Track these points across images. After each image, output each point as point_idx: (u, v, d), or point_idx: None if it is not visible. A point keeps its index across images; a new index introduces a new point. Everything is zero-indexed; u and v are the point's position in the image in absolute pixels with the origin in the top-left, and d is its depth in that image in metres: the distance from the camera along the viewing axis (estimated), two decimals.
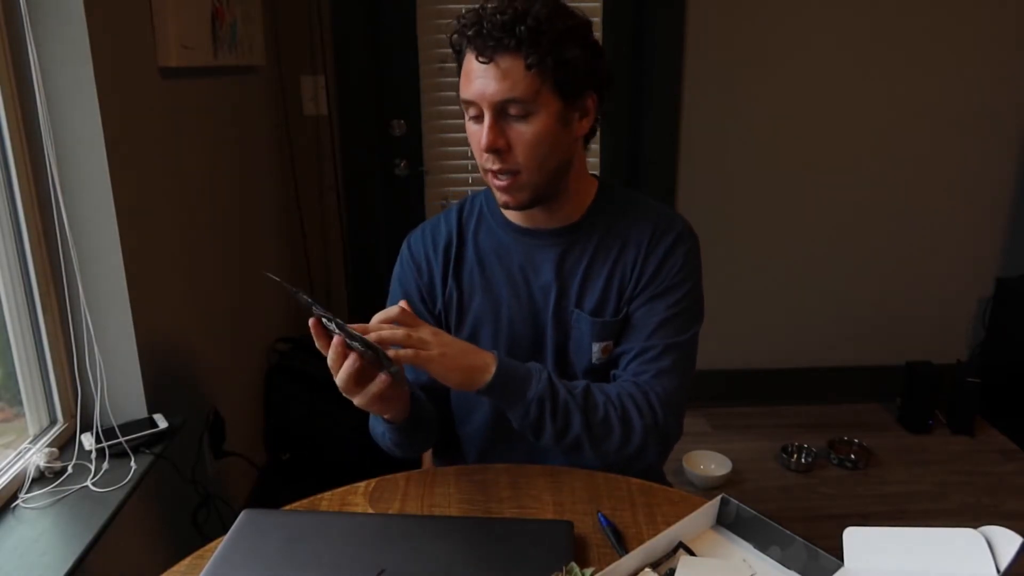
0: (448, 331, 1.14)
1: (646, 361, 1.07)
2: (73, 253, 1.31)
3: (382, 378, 0.88)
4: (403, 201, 2.65)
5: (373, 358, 0.87)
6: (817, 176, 2.63)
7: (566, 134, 1.02)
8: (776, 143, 2.60)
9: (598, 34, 2.45)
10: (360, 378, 0.87)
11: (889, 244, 2.71)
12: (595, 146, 2.60)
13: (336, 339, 0.87)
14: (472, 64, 0.98)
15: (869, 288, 2.76)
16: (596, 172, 2.74)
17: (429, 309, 1.16)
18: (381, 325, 0.90)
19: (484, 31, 0.94)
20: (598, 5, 2.47)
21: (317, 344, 0.89)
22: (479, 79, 0.97)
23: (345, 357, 0.87)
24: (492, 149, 0.99)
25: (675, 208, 2.62)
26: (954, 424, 2.61)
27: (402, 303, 0.96)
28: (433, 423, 1.14)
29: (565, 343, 1.12)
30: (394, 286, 1.20)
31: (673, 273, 1.09)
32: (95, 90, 1.28)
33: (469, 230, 1.16)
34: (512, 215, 1.13)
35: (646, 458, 1.04)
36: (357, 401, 0.91)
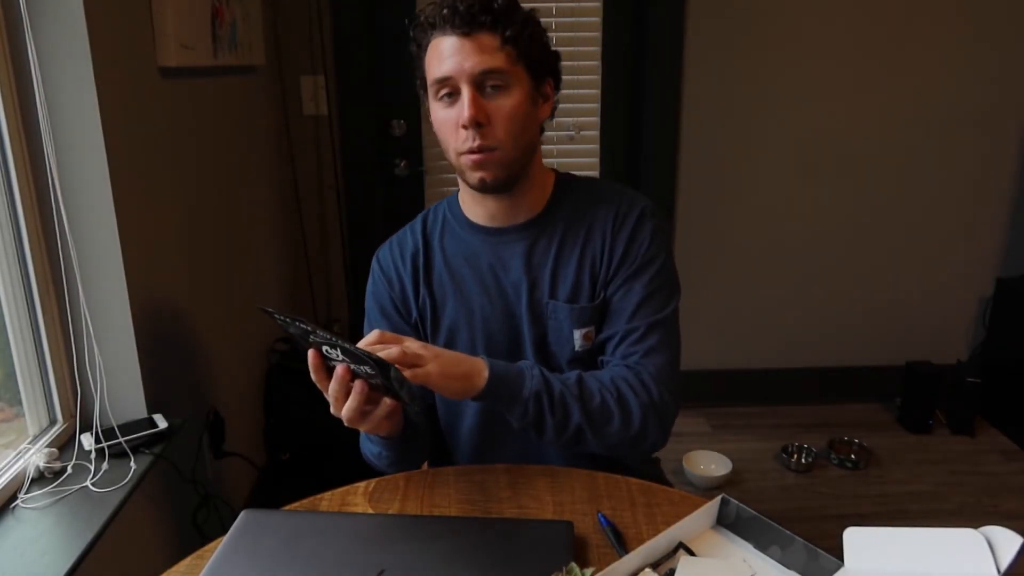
0: (425, 339, 1.14)
1: (632, 343, 1.07)
2: (73, 253, 1.31)
3: (386, 402, 0.87)
4: (403, 201, 2.65)
5: (381, 382, 0.83)
6: (817, 176, 2.63)
7: (533, 115, 1.05)
8: (776, 143, 2.60)
9: (597, 34, 2.48)
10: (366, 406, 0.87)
11: (889, 244, 2.71)
12: (595, 146, 2.60)
13: (340, 369, 0.84)
14: (444, 44, 0.99)
15: (869, 288, 2.76)
16: (596, 172, 2.73)
17: (405, 320, 1.16)
18: (372, 348, 0.88)
19: (462, 8, 0.97)
20: (598, 5, 2.48)
21: (314, 377, 0.86)
22: (455, 55, 0.98)
23: (350, 388, 0.85)
24: (475, 122, 0.99)
25: (675, 207, 2.62)
26: (954, 424, 2.61)
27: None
28: (425, 434, 1.14)
29: (544, 336, 1.12)
30: (369, 303, 1.20)
31: (643, 251, 1.09)
32: (95, 90, 1.28)
33: (435, 237, 1.16)
34: (477, 216, 1.13)
35: (648, 438, 1.04)
36: (364, 428, 0.90)
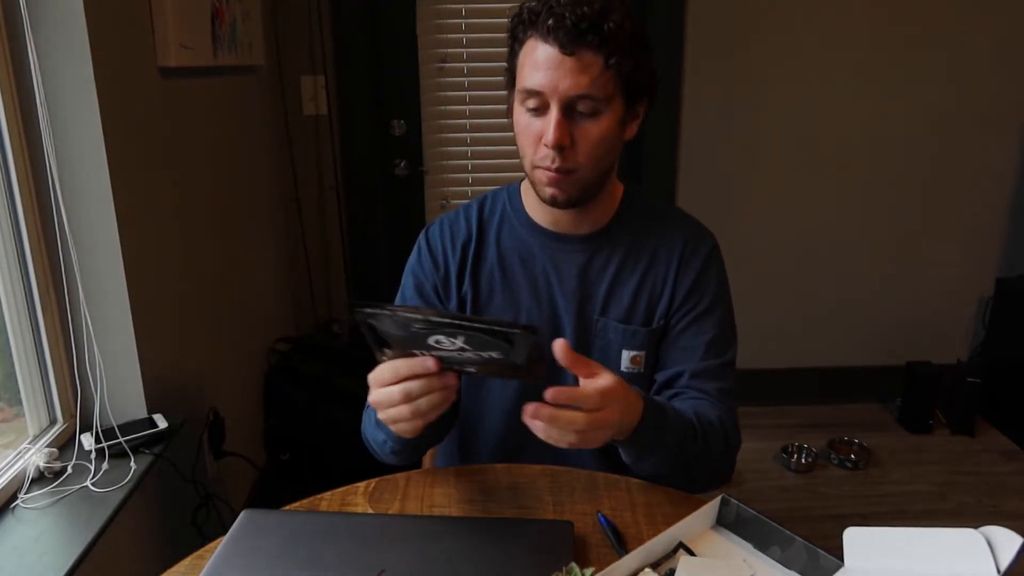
0: None
1: (705, 380, 1.08)
2: (73, 253, 1.31)
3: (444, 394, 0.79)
4: (403, 201, 2.65)
5: (504, 359, 0.69)
6: (817, 177, 2.63)
7: (619, 137, 1.01)
8: (775, 143, 2.59)
9: None
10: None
11: (889, 244, 2.71)
12: None
13: (431, 363, 0.74)
14: (540, 52, 0.92)
15: (869, 288, 2.76)
16: None
17: (443, 304, 1.13)
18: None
19: (569, 23, 0.89)
20: None
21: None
22: (553, 70, 0.91)
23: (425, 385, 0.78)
24: (558, 147, 0.94)
25: None
26: (954, 424, 2.61)
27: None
28: (440, 425, 1.08)
29: (587, 352, 1.09)
30: (407, 278, 1.16)
31: (712, 290, 1.09)
32: (95, 90, 1.28)
33: (491, 229, 1.12)
34: (539, 217, 1.10)
35: (722, 480, 1.08)
36: (417, 427, 0.82)
